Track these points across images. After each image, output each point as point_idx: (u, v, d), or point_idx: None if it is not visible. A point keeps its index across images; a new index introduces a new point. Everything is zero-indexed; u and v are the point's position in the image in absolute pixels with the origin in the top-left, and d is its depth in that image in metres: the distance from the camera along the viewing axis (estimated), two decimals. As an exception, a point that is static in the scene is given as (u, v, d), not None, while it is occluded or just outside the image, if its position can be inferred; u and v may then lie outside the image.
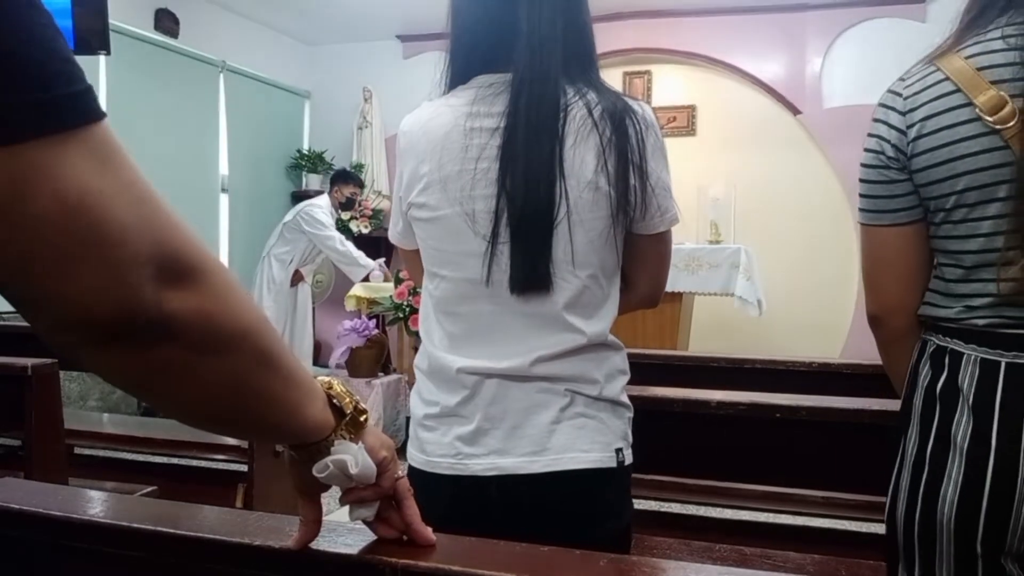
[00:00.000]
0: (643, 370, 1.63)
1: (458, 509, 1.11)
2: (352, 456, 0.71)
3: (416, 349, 1.27)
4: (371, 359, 4.55)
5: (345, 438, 0.73)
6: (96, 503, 0.90)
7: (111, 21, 3.79)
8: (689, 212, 5.31)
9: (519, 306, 1.13)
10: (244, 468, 2.54)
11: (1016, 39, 1.04)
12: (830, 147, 5.33)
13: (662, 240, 1.23)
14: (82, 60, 0.51)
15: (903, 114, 1.11)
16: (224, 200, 5.71)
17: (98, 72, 4.50)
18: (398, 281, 4.41)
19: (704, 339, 5.19)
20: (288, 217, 5.48)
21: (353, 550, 0.76)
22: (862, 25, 5.30)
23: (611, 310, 1.19)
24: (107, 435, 2.81)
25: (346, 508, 0.77)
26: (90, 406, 4.58)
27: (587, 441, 1.13)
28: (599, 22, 1.18)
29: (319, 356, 6.11)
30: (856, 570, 1.65)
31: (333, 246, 5.29)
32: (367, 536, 0.79)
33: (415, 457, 1.19)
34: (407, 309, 4.27)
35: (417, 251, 1.26)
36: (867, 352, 2.34)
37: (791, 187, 5.53)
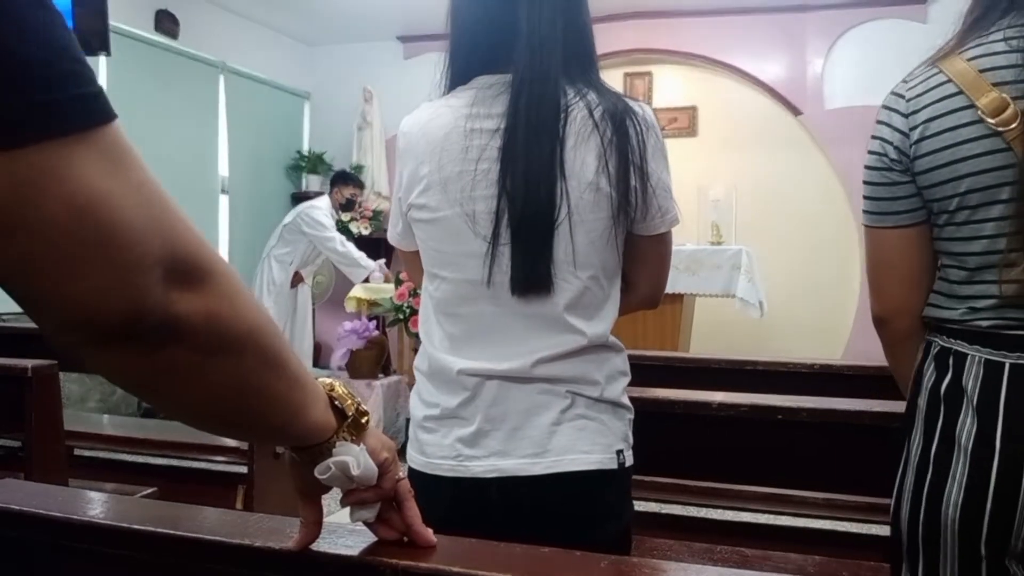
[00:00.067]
0: (644, 371, 1.63)
1: (458, 511, 1.11)
2: (354, 458, 0.71)
3: (416, 350, 1.27)
4: (371, 360, 4.55)
5: (347, 440, 0.72)
6: (96, 504, 0.90)
7: (111, 22, 3.79)
8: (690, 213, 5.31)
9: (520, 307, 1.13)
10: (244, 469, 2.54)
11: (1018, 41, 1.04)
12: (831, 148, 5.33)
13: (662, 241, 1.23)
14: (82, 60, 0.51)
15: (906, 116, 1.11)
16: (224, 201, 5.71)
17: (98, 73, 4.46)
18: (398, 282, 4.40)
19: (705, 341, 5.19)
20: (288, 218, 5.49)
21: (354, 551, 0.76)
22: (863, 26, 5.30)
23: (612, 311, 1.18)
24: (107, 436, 2.80)
25: (346, 509, 0.77)
26: (90, 407, 4.57)
27: (588, 443, 1.13)
28: (599, 23, 1.18)
29: (319, 357, 6.11)
30: (857, 571, 1.65)
31: (334, 247, 5.29)
32: (367, 537, 0.79)
33: (415, 459, 1.18)
34: (407, 310, 4.27)
35: (416, 252, 1.26)
36: (868, 354, 2.34)
37: (792, 188, 5.53)
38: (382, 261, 5.34)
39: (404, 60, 6.26)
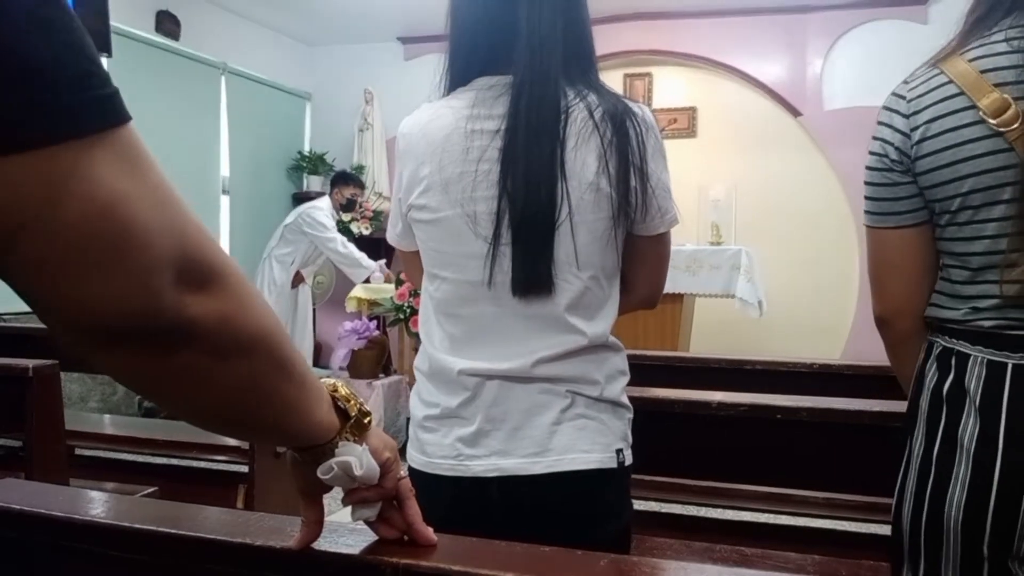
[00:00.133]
0: (644, 371, 1.63)
1: (459, 510, 1.11)
2: (356, 458, 0.72)
3: (417, 350, 1.27)
4: (372, 360, 4.55)
5: (349, 440, 0.73)
6: (97, 504, 0.90)
7: (112, 23, 3.79)
8: (690, 214, 5.32)
9: (521, 308, 1.13)
10: (245, 469, 2.54)
11: (1020, 41, 1.04)
12: (831, 149, 5.33)
13: (661, 241, 1.23)
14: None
15: (907, 117, 1.12)
16: (225, 201, 5.71)
17: (100, 74, 4.49)
18: (399, 283, 4.41)
19: (705, 340, 5.19)
20: (289, 219, 5.49)
21: (354, 550, 0.76)
22: (863, 27, 5.30)
23: (612, 311, 1.19)
24: (108, 436, 2.81)
25: (347, 508, 0.78)
26: (91, 407, 4.58)
27: (588, 442, 1.13)
28: (599, 23, 1.18)
29: (319, 357, 6.11)
30: (856, 571, 1.65)
31: (335, 248, 5.29)
32: (368, 536, 0.79)
33: (415, 458, 1.19)
34: (408, 310, 4.28)
35: (416, 253, 1.26)
36: (868, 354, 2.34)
37: (792, 189, 5.53)
38: (383, 261, 5.34)
39: (405, 61, 6.26)
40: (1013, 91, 1.02)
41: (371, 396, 4.34)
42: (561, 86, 1.13)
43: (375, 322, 4.76)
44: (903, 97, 1.13)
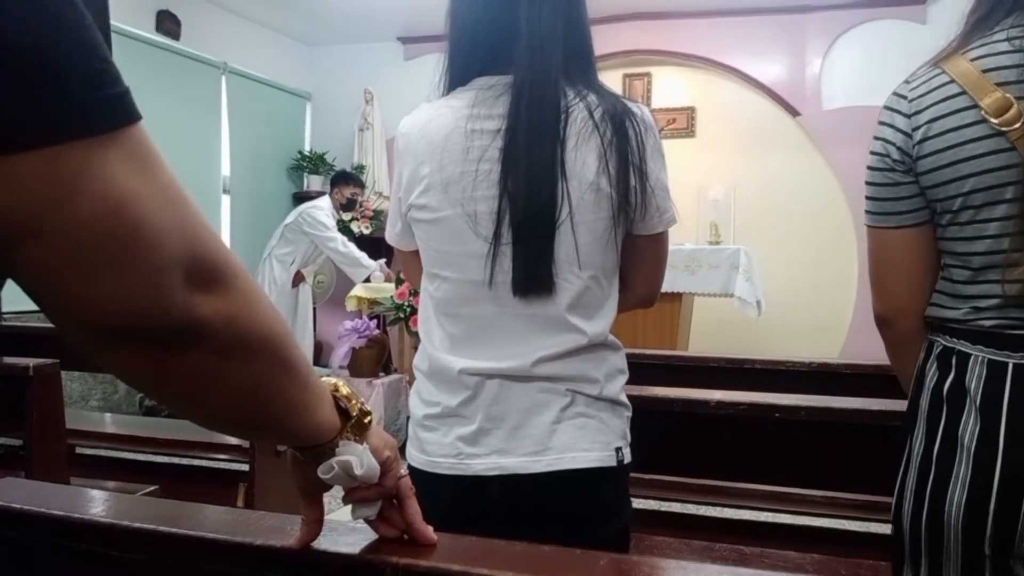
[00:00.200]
0: (643, 370, 1.64)
1: (459, 509, 1.12)
2: (357, 457, 0.72)
3: (417, 349, 1.27)
4: (372, 359, 4.56)
5: (350, 439, 0.73)
6: (97, 503, 0.90)
7: (112, 22, 3.79)
8: (689, 213, 5.35)
9: (521, 307, 1.13)
10: (245, 467, 2.55)
11: (1022, 41, 1.04)
12: (829, 148, 5.33)
13: (660, 241, 1.23)
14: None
15: (908, 117, 1.11)
16: (226, 201, 5.71)
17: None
18: (399, 282, 4.41)
19: (704, 339, 5.20)
20: (289, 219, 5.49)
21: (354, 549, 0.76)
22: (862, 27, 5.30)
23: (611, 310, 1.19)
24: (108, 435, 2.81)
25: (348, 507, 0.78)
26: (92, 406, 4.59)
27: (588, 440, 1.13)
28: (599, 23, 1.18)
29: (320, 356, 6.11)
30: (855, 570, 1.66)
31: (335, 247, 5.29)
32: (368, 535, 0.79)
33: (415, 457, 1.19)
34: (408, 309, 4.28)
35: (414, 252, 1.26)
36: (866, 353, 2.34)
37: (790, 188, 5.53)
38: (383, 261, 5.34)
39: (404, 61, 6.26)
40: (1015, 90, 1.02)
41: (371, 395, 4.34)
42: (561, 86, 1.13)
43: (375, 321, 4.76)
44: (905, 97, 1.13)
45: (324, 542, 0.77)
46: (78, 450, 2.78)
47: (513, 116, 1.12)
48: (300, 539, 0.76)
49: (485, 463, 1.13)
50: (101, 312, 0.48)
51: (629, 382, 1.22)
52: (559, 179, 1.10)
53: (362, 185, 5.77)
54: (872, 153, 1.17)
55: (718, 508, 1.96)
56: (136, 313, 0.49)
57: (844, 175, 5.20)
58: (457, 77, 1.20)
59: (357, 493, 0.76)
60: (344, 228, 5.65)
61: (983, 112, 1.03)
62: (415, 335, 3.99)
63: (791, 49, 5.44)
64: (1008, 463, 1.02)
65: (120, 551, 0.83)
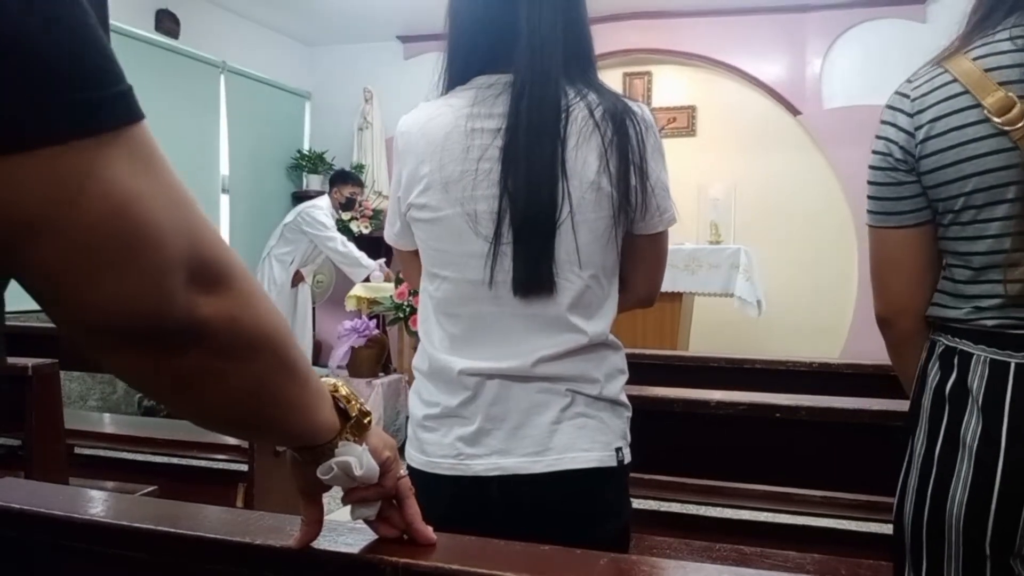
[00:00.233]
0: (643, 370, 1.64)
1: (459, 509, 1.12)
2: (356, 458, 0.72)
3: (416, 349, 1.27)
4: (371, 359, 4.56)
5: (349, 440, 0.73)
6: (96, 503, 0.90)
7: (111, 22, 3.79)
8: (689, 213, 5.34)
9: (521, 308, 1.13)
10: (245, 467, 2.55)
11: None
12: (830, 148, 5.33)
13: (660, 240, 1.23)
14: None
15: (911, 116, 1.11)
16: (225, 201, 5.71)
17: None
18: (398, 281, 4.41)
19: (704, 339, 5.20)
20: (289, 218, 5.49)
21: (354, 549, 0.76)
22: (862, 26, 5.30)
23: (611, 309, 1.19)
24: (107, 435, 2.81)
25: (347, 507, 0.78)
26: (91, 406, 4.58)
27: (588, 440, 1.13)
28: (599, 23, 1.18)
29: (319, 356, 6.11)
30: (856, 570, 1.66)
31: (334, 247, 5.29)
32: (368, 535, 0.79)
33: (415, 458, 1.19)
34: (407, 309, 4.28)
35: (413, 252, 1.26)
36: (867, 353, 2.34)
37: (791, 188, 5.53)
38: (382, 260, 5.34)
39: (404, 60, 6.26)
40: (1018, 89, 1.02)
41: (370, 395, 4.34)
42: (561, 85, 1.12)
43: (375, 321, 4.76)
44: (907, 96, 1.13)
45: (324, 542, 0.77)
46: (77, 450, 2.78)
47: (513, 116, 1.11)
48: (300, 539, 0.76)
49: (485, 464, 1.13)
50: (104, 312, 0.48)
51: (629, 382, 1.22)
52: (559, 178, 1.10)
53: (361, 184, 5.77)
54: (874, 152, 1.17)
55: (718, 508, 1.96)
56: (139, 313, 0.49)
57: (844, 175, 5.20)
58: (456, 76, 1.20)
59: (356, 493, 0.75)
60: (343, 227, 5.65)
61: (986, 111, 1.03)
62: (414, 335, 3.98)
63: (791, 48, 5.45)
64: (1010, 462, 1.02)
65: (120, 551, 0.83)
